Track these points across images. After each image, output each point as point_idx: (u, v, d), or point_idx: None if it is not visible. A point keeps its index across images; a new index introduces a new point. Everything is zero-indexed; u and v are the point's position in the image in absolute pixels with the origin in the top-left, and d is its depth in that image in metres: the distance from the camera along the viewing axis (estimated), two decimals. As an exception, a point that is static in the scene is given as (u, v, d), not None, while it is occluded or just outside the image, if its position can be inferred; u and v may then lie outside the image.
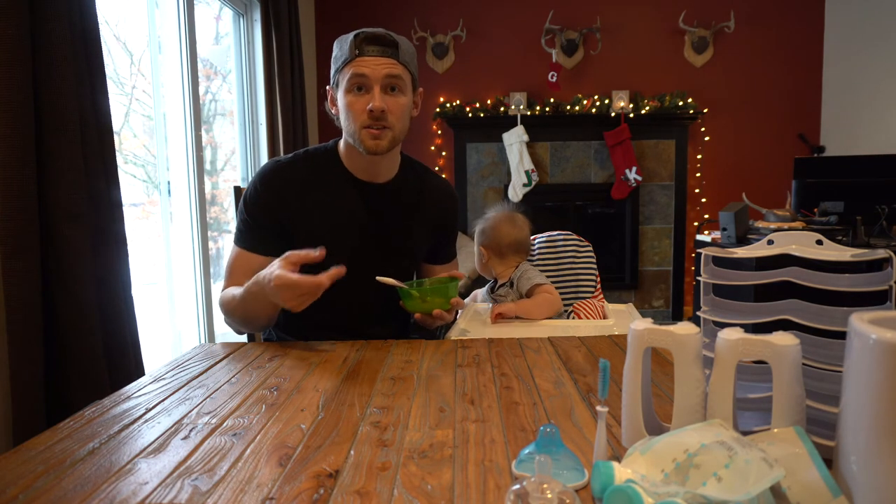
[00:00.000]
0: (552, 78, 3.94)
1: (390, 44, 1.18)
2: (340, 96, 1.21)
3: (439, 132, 4.18)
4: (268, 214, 1.26)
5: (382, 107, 1.16)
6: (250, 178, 1.30)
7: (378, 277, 1.20)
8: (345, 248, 1.25)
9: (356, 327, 1.30)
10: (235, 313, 1.22)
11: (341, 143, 1.31)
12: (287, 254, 1.06)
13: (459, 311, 1.46)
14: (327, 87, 1.28)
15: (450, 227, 1.44)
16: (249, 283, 1.13)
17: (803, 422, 0.57)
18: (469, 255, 3.73)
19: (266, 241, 1.26)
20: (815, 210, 3.02)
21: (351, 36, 1.18)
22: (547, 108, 3.99)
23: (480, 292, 1.64)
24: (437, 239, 1.41)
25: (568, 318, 1.57)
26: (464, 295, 2.35)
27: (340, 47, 1.20)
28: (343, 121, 1.23)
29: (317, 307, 1.32)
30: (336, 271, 1.04)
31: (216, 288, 2.72)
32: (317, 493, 0.58)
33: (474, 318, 1.44)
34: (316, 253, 1.05)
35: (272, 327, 1.37)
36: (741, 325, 0.62)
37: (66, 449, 0.69)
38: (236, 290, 1.19)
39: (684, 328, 0.62)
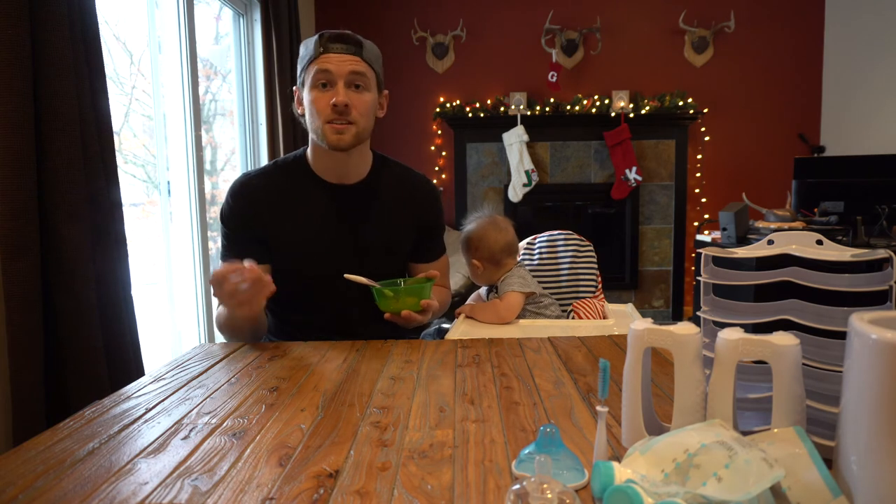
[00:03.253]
0: (552, 78, 3.94)
1: (354, 42, 1.20)
2: (306, 94, 1.22)
3: (439, 132, 4.18)
4: (243, 226, 1.27)
5: (346, 101, 1.17)
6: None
7: (346, 275, 1.19)
8: (319, 253, 1.27)
9: (346, 329, 1.29)
10: (224, 329, 1.24)
11: (310, 149, 1.31)
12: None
13: (459, 318, 1.47)
14: (294, 88, 1.29)
15: (432, 223, 1.42)
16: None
17: (803, 422, 0.57)
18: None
19: (248, 253, 1.24)
20: (815, 210, 3.02)
21: (316, 36, 1.20)
22: (547, 108, 3.99)
23: (482, 292, 1.64)
24: (420, 236, 1.39)
25: (568, 317, 1.57)
26: (465, 295, 2.35)
27: (306, 47, 1.22)
28: (308, 118, 1.24)
29: (301, 310, 1.34)
30: (254, 273, 1.03)
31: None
32: (317, 493, 0.58)
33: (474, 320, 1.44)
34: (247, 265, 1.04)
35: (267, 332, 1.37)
36: (741, 325, 0.62)
37: (66, 449, 0.69)
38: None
39: (684, 328, 0.62)
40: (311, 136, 1.26)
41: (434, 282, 1.26)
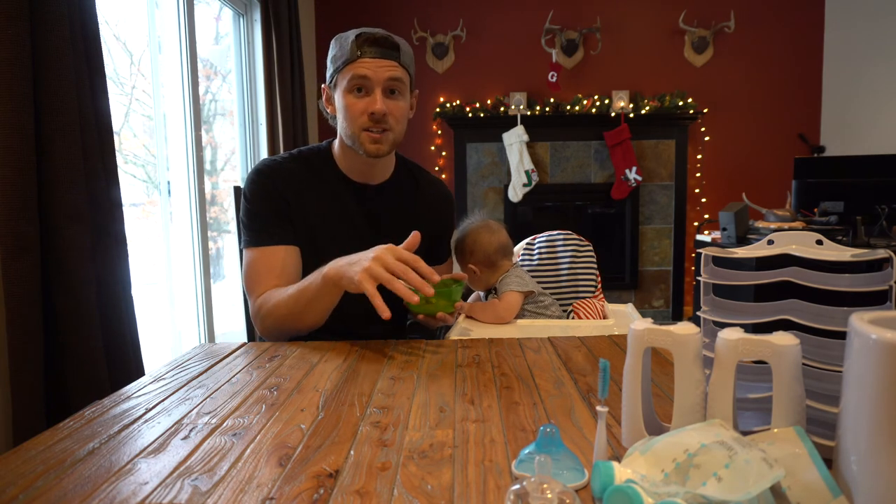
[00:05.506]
0: (552, 78, 3.94)
1: (392, 46, 1.17)
2: (339, 97, 1.20)
3: (439, 132, 4.18)
4: (273, 203, 1.23)
5: (384, 109, 1.15)
6: (247, 181, 1.29)
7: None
8: (339, 250, 1.23)
9: (351, 329, 1.27)
10: (297, 306, 1.15)
11: (335, 144, 1.30)
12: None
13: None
14: (323, 86, 1.27)
15: (445, 227, 1.43)
16: (324, 271, 1.09)
17: (803, 422, 0.57)
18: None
19: (284, 229, 1.22)
20: (815, 210, 3.02)
21: (352, 35, 1.16)
22: (547, 108, 3.99)
23: (481, 293, 1.63)
24: (433, 240, 1.39)
25: (568, 317, 1.57)
26: (464, 297, 2.35)
27: (340, 46, 1.18)
28: (341, 122, 1.22)
29: None
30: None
31: (216, 288, 2.72)
32: (317, 493, 0.58)
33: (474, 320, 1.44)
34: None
35: None
36: (741, 325, 0.62)
37: (66, 449, 0.69)
38: (290, 289, 1.14)
39: (684, 328, 0.62)
40: (342, 137, 1.24)
41: (463, 284, 1.24)
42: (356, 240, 1.27)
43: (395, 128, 1.19)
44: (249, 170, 3.22)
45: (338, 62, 1.19)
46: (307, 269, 1.26)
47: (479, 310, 1.44)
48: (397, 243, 1.30)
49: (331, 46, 1.22)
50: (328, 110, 1.27)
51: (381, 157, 1.21)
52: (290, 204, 1.24)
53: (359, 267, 1.03)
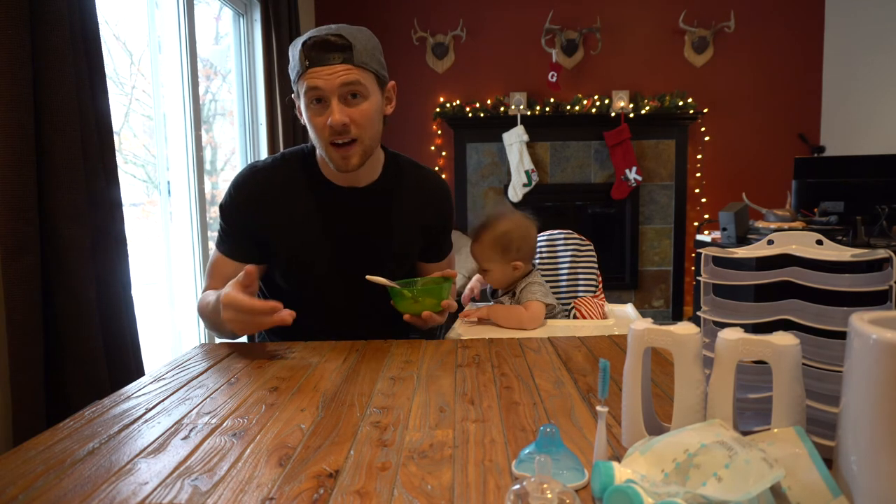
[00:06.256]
0: (552, 78, 3.94)
1: (342, 48, 1.07)
2: (304, 109, 1.14)
3: (439, 132, 4.18)
4: (244, 221, 1.22)
5: (343, 120, 1.08)
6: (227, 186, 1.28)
7: (368, 276, 1.16)
8: (325, 256, 1.23)
9: (344, 334, 1.23)
10: (206, 320, 1.20)
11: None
12: (242, 273, 1.03)
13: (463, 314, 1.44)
14: (291, 95, 1.19)
15: (444, 223, 1.38)
16: (220, 293, 1.07)
17: (803, 422, 0.57)
18: (468, 256, 3.73)
19: (243, 249, 1.22)
20: (815, 210, 3.02)
21: (300, 43, 1.09)
22: (547, 108, 3.99)
23: (477, 286, 1.59)
24: (432, 237, 1.36)
25: (569, 316, 1.57)
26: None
27: (293, 56, 1.11)
28: (310, 134, 1.17)
29: (303, 314, 1.29)
30: (285, 316, 1.00)
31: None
32: (317, 493, 0.58)
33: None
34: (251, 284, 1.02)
35: (266, 331, 1.35)
36: (741, 325, 0.62)
37: (66, 449, 0.69)
38: (211, 297, 1.14)
39: (684, 328, 0.62)
40: (317, 150, 1.21)
41: (452, 282, 1.22)
42: (342, 244, 1.24)
43: (362, 135, 1.12)
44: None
45: (293, 73, 1.12)
46: (294, 277, 1.25)
47: (504, 315, 1.36)
48: (389, 245, 1.28)
49: (289, 54, 1.16)
50: (302, 119, 1.20)
51: (353, 171, 1.16)
52: (266, 218, 1.21)
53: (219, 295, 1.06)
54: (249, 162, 1.47)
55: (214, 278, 1.23)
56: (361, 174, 1.24)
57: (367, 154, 1.16)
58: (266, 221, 1.22)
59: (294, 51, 1.11)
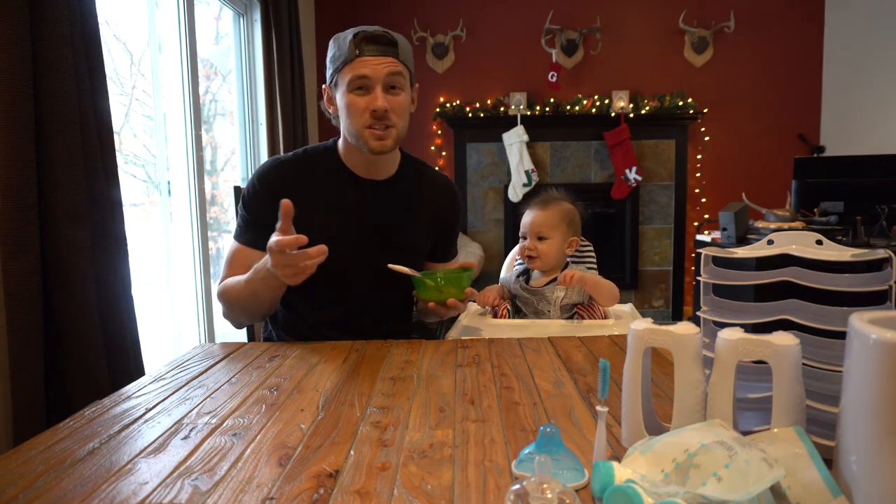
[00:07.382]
0: (552, 78, 3.94)
1: (390, 42, 1.18)
2: (340, 96, 1.21)
3: (439, 132, 4.18)
4: (266, 212, 1.24)
5: (386, 106, 1.17)
6: (250, 177, 1.30)
7: (391, 265, 1.21)
8: (346, 246, 1.25)
9: (357, 325, 1.29)
10: (240, 297, 1.21)
11: (340, 142, 1.31)
12: (281, 218, 1.06)
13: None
14: (323, 86, 1.28)
15: (451, 223, 1.45)
16: (257, 265, 1.14)
17: (803, 422, 0.57)
18: (469, 256, 3.72)
19: (265, 238, 1.25)
20: (815, 210, 3.01)
21: (349, 35, 1.17)
22: (547, 108, 3.99)
23: (507, 281, 1.54)
24: (439, 236, 1.41)
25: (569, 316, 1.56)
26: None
27: (338, 46, 1.20)
28: (343, 120, 1.23)
29: (317, 304, 1.33)
30: (323, 248, 1.05)
31: (216, 287, 2.72)
32: (317, 493, 0.58)
33: (474, 318, 1.44)
34: (306, 240, 1.05)
35: (273, 326, 1.37)
36: (741, 325, 0.62)
37: (66, 449, 0.69)
38: (241, 276, 1.19)
39: (684, 328, 0.62)
40: (345, 136, 1.26)
41: (472, 272, 1.26)
42: (362, 234, 1.29)
43: (397, 123, 1.20)
44: (251, 169, 3.23)
45: (337, 62, 1.20)
46: (319, 266, 1.26)
47: (604, 291, 1.39)
48: (402, 237, 1.33)
49: (329, 47, 1.23)
50: (330, 110, 1.28)
51: (386, 153, 1.23)
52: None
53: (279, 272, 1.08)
54: (249, 162, 1.49)
55: (235, 269, 1.26)
56: (381, 168, 1.30)
57: (398, 141, 1.23)
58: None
59: (341, 42, 1.19)
